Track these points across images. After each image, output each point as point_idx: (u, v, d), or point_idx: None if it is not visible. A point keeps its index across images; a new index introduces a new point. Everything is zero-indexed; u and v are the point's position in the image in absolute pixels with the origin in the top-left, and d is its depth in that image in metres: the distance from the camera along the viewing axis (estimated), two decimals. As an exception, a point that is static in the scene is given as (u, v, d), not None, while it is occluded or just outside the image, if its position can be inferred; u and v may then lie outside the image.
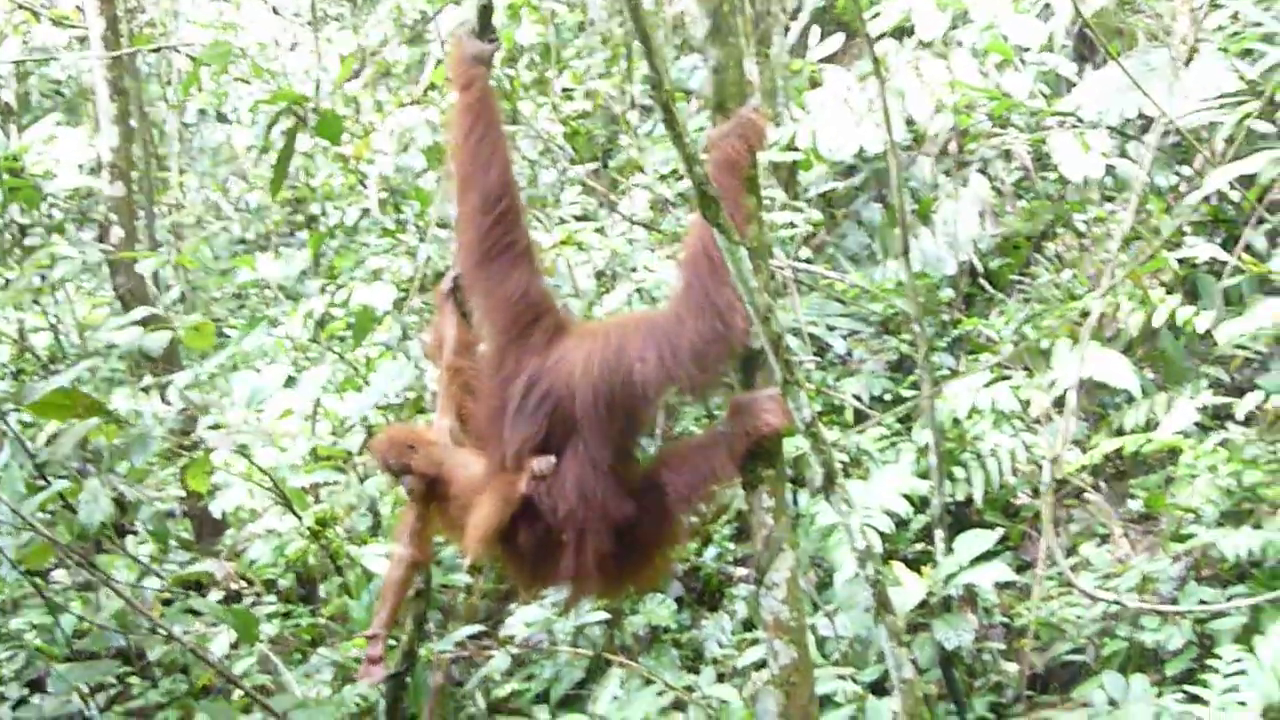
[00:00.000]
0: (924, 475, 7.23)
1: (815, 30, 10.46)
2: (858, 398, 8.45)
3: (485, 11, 4.81)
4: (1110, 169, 8.53)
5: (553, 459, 4.36)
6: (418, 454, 4.64)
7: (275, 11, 14.13)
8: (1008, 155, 9.68)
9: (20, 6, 12.27)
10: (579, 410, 4.30)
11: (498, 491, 4.42)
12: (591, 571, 4.37)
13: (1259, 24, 8.13)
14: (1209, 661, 5.73)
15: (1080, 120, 8.51)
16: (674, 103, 3.67)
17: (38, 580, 6.16)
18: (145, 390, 7.33)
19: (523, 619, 7.30)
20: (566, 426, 4.34)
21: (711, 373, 4.27)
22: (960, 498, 7.41)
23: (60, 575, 7.94)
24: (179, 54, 13.93)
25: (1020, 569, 7.33)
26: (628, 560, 4.45)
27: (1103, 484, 7.87)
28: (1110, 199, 9.18)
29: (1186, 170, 8.83)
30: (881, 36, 8.77)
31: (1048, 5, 9.11)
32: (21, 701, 6.62)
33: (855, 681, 6.41)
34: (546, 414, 4.35)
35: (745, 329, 4.21)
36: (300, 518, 6.93)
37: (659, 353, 4.21)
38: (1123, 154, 8.90)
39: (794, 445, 6.77)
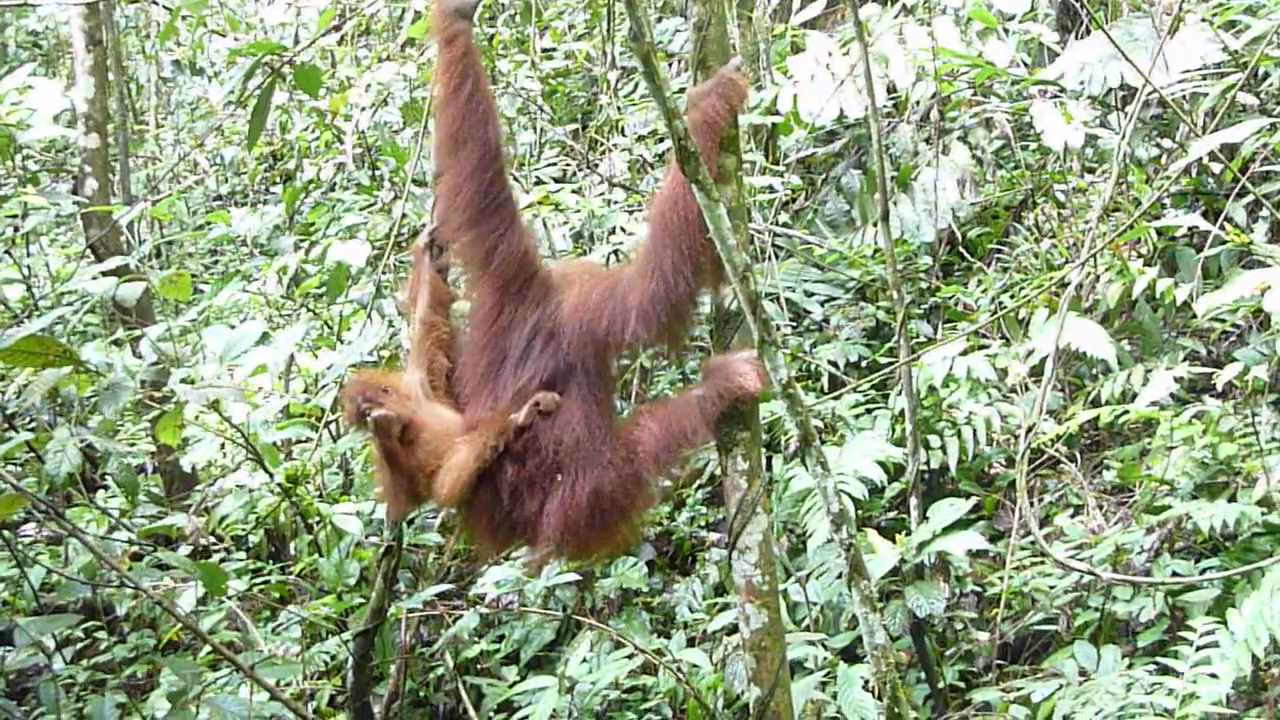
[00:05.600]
0: (899, 442, 7.22)
1: (799, -6, 10.41)
2: (834, 364, 8.42)
3: (467, -36, 4.75)
4: (1091, 139, 8.50)
5: (557, 395, 4.37)
6: (390, 397, 4.58)
7: (254, -36, 14.01)
8: (989, 124, 9.65)
9: (-3, -45, 12.15)
10: (574, 353, 4.33)
11: (490, 428, 4.40)
12: (582, 512, 4.35)
13: (1244, -5, 8.11)
14: (1181, 634, 5.74)
15: (1062, 90, 8.49)
16: (655, 57, 3.63)
17: (5, 533, 6.10)
18: (117, 343, 7.26)
19: (493, 579, 7.28)
20: (569, 369, 4.37)
21: (684, 321, 4.29)
22: (935, 466, 7.39)
23: (29, 528, 7.89)
24: (157, 6, 13.81)
25: (994, 538, 7.33)
26: (599, 522, 4.43)
27: (1078, 454, 7.86)
28: (1091, 169, 9.15)
29: (1168, 142, 8.80)
30: (865, 1, 8.72)
31: (1032, -27, 9.08)
32: (-13, 654, 6.58)
33: (826, 648, 6.40)
34: (550, 357, 4.38)
35: (714, 279, 4.24)
36: (271, 474, 6.88)
37: (638, 300, 4.22)
38: (1104, 124, 8.87)
39: (768, 410, 6.75)
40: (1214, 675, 5.34)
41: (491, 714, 7.29)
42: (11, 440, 5.87)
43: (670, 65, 11.14)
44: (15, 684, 7.07)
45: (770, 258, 8.76)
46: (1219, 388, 6.88)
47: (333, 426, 7.61)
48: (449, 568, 7.98)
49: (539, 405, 4.41)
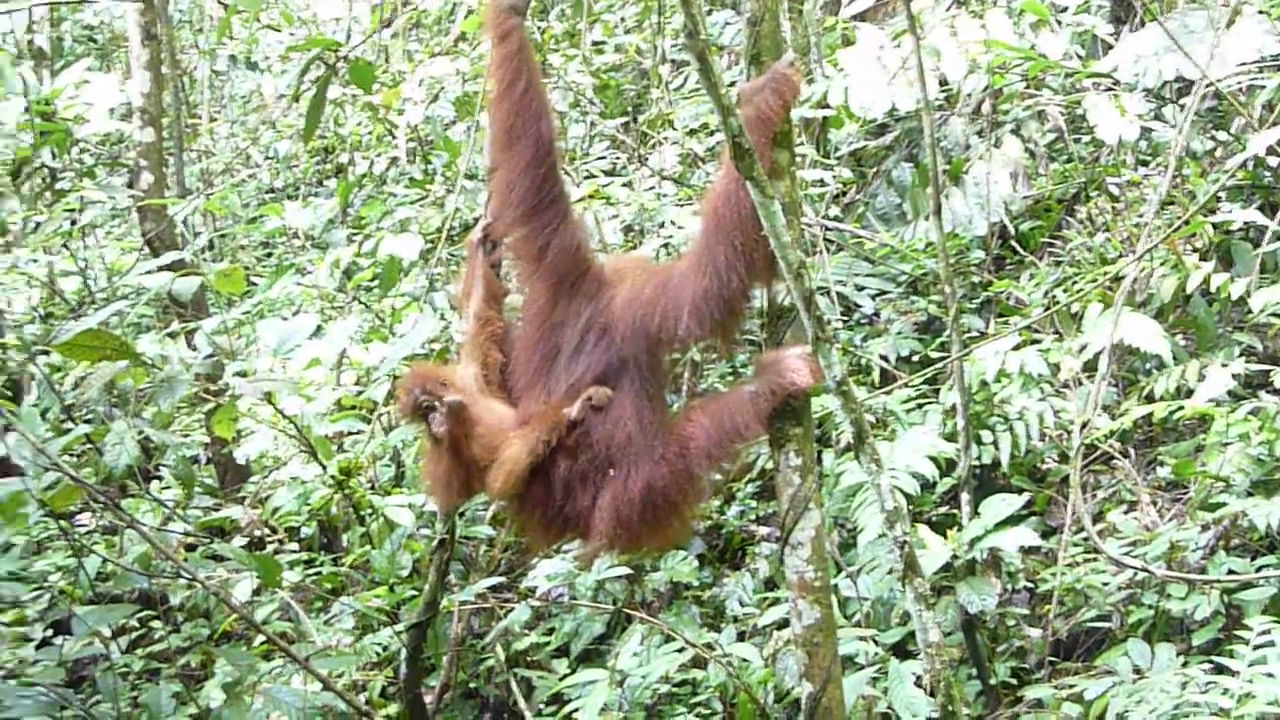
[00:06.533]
0: (951, 438, 7.19)
1: (850, -14, 10.37)
2: (885, 358, 8.40)
3: (520, -39, 4.76)
4: (1146, 132, 8.44)
5: (610, 390, 4.39)
6: (447, 390, 4.60)
7: (307, -41, 14.07)
8: (1041, 116, 9.59)
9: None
10: (627, 348, 4.35)
11: (543, 422, 4.42)
12: (635, 506, 4.36)
13: (1303, -13, 8.02)
14: (1237, 632, 5.69)
15: (1116, 82, 8.43)
16: (709, 53, 3.63)
17: (63, 523, 6.16)
18: (172, 336, 7.32)
19: (544, 572, 7.30)
20: (621, 364, 4.39)
21: (736, 317, 4.29)
22: (987, 461, 7.36)
23: (85, 518, 7.97)
24: (212, 0, 13.92)
25: (1046, 534, 7.30)
26: (651, 516, 4.43)
27: (1131, 450, 7.81)
28: (1145, 163, 9.09)
29: (1223, 135, 8.73)
30: (917, -6, 8.69)
31: (1086, -34, 9.02)
32: (45, 642, 6.65)
33: (877, 643, 6.39)
34: (603, 352, 4.40)
35: (767, 275, 4.24)
36: (324, 466, 6.92)
37: (690, 296, 4.23)
38: (1158, 117, 8.81)
39: (820, 405, 6.74)
40: (1270, 674, 5.29)
41: (542, 706, 7.31)
42: (70, 432, 5.94)
43: (722, 58, 11.12)
44: (73, 672, 7.13)
45: (821, 251, 8.74)
46: (1276, 384, 6.82)
47: (385, 419, 7.65)
48: (500, 561, 8.01)
49: (591, 400, 4.42)
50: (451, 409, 4.54)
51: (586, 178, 9.05)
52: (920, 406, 7.80)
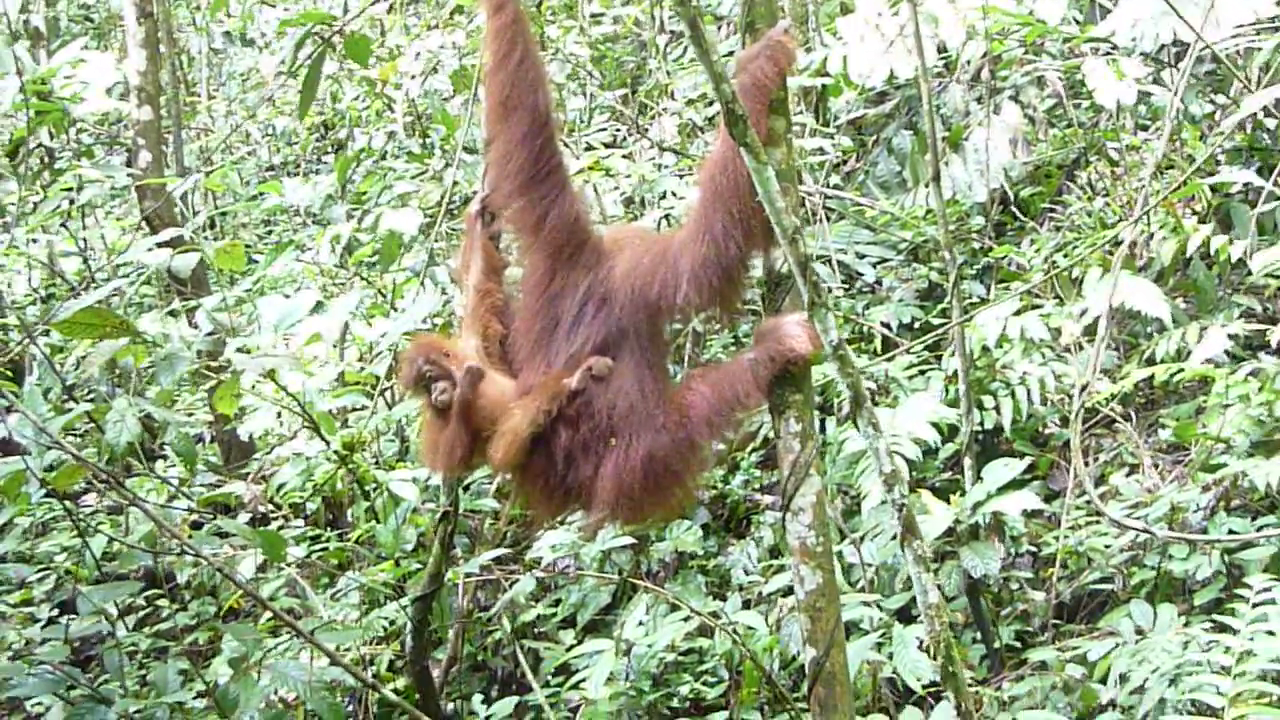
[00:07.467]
0: (953, 403, 7.20)
1: (847, -46, 10.35)
2: (886, 325, 8.41)
3: (514, -69, 4.75)
4: (1144, 96, 8.42)
5: (610, 360, 4.39)
6: (450, 360, 4.61)
7: (302, -65, 14.03)
8: (1040, 82, 9.58)
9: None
10: (626, 318, 4.34)
11: (543, 393, 4.42)
12: (637, 476, 4.36)
13: (1299, -52, 7.98)
14: (1238, 591, 5.71)
15: (1114, 46, 8.40)
16: (701, 20, 3.63)
17: (67, 503, 6.18)
18: (174, 314, 7.32)
19: (549, 544, 7.32)
20: (621, 333, 4.38)
21: (735, 285, 4.29)
22: (989, 426, 7.37)
23: (90, 499, 7.99)
24: (207, -22, 13.88)
25: (1049, 498, 7.31)
26: (654, 485, 4.44)
27: (1133, 413, 7.82)
28: (1144, 127, 9.08)
29: (1221, 98, 8.72)
30: (914, -40, 8.65)
31: (1083, -71, 8.99)
32: (51, 622, 6.68)
33: (881, 609, 6.41)
34: (602, 322, 4.39)
35: (765, 242, 4.23)
36: (328, 442, 6.94)
37: (689, 264, 4.22)
38: (1156, 81, 8.79)
39: (821, 372, 6.75)
40: (1271, 632, 5.31)
41: (549, 677, 7.34)
42: (71, 411, 5.95)
43: (719, 28, 11.10)
44: (79, 651, 7.18)
45: (822, 220, 8.74)
46: (1274, 344, 6.82)
47: (388, 394, 7.66)
48: (505, 533, 8.03)
49: (592, 370, 4.42)
50: (471, 374, 4.55)
51: (586, 149, 9.04)
52: (922, 373, 7.82)
